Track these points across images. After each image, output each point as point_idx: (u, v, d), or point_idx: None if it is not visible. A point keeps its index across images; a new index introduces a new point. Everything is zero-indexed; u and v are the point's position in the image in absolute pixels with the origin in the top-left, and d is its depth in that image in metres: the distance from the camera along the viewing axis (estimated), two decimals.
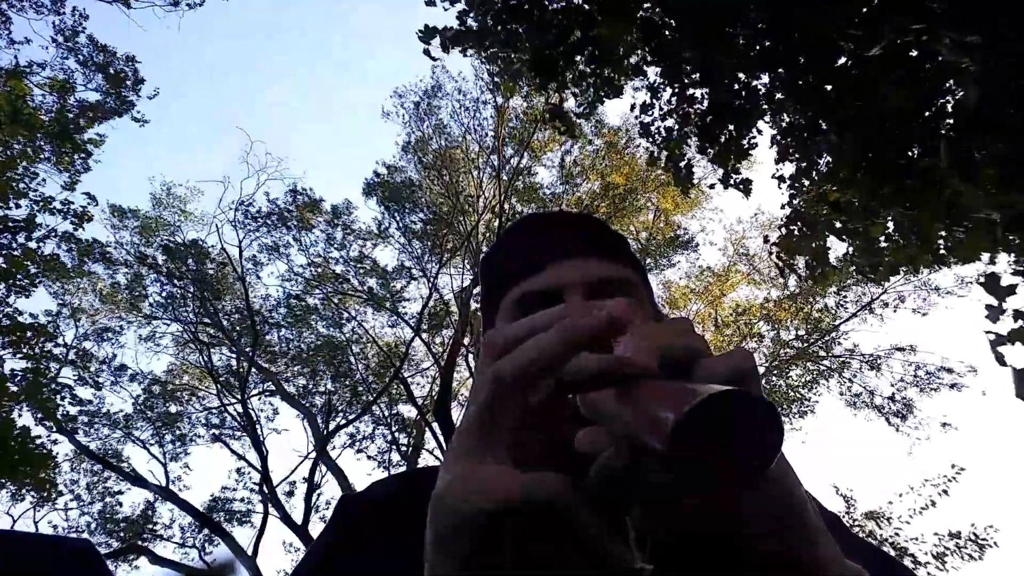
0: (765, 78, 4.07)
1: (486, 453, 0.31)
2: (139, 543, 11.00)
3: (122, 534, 11.30)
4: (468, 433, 0.32)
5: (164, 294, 11.89)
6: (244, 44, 34.04)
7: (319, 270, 12.52)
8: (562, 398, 0.34)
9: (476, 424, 0.32)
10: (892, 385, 11.85)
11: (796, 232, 4.42)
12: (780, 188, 4.44)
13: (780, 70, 3.84)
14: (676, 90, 4.16)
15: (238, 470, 11.69)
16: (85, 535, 11.06)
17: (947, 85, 3.46)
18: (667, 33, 3.89)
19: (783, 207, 4.51)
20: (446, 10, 3.96)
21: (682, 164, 4.38)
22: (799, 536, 0.33)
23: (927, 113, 3.52)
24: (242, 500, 11.64)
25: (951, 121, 3.48)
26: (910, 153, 3.64)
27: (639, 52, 4.08)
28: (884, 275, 4.21)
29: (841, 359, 12.24)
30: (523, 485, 0.29)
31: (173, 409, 11.96)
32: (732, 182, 4.34)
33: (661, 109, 4.33)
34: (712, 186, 4.63)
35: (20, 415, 8.65)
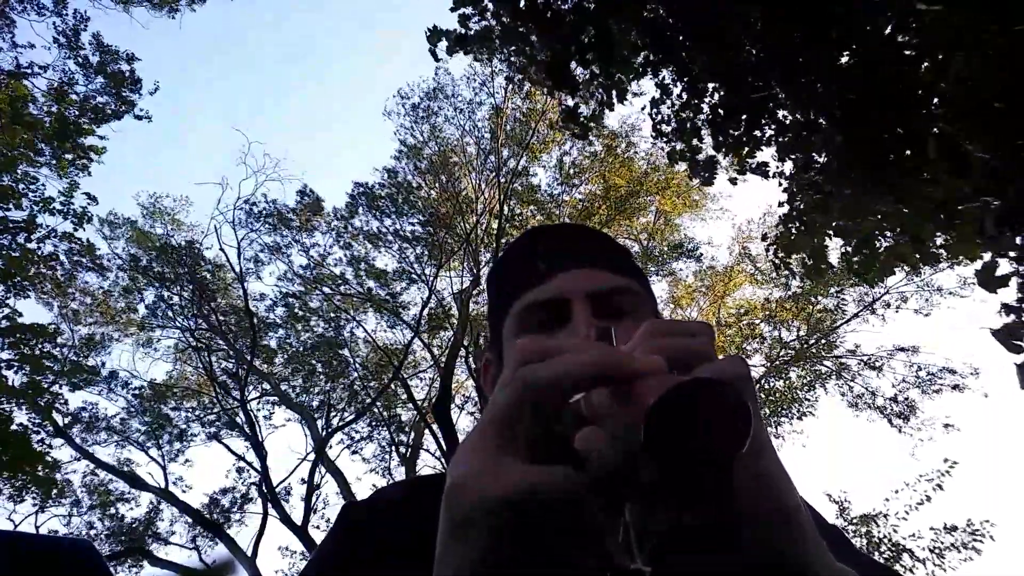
0: (767, 76, 4.08)
1: (504, 448, 0.32)
2: (139, 546, 11.00)
3: (123, 537, 11.29)
4: (487, 428, 0.33)
5: (159, 298, 11.90)
6: (243, 44, 34.07)
7: (318, 271, 12.53)
8: (566, 398, 0.35)
9: (495, 422, 0.33)
10: (894, 386, 11.88)
11: (794, 230, 4.43)
12: (780, 184, 4.44)
13: (779, 69, 3.86)
14: (686, 85, 4.17)
15: (238, 469, 11.68)
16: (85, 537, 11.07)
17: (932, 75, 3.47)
18: (670, 34, 3.90)
19: (781, 204, 4.52)
20: (453, 10, 3.94)
21: (700, 157, 4.37)
22: (790, 538, 0.34)
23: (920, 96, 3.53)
24: (241, 499, 11.64)
25: (937, 111, 3.50)
26: (907, 151, 3.65)
27: (646, 54, 4.09)
28: (878, 276, 4.23)
29: (842, 360, 12.25)
30: (537, 475, 0.30)
31: (169, 409, 11.94)
32: (748, 168, 4.34)
33: (673, 105, 4.33)
34: (733, 180, 4.60)
35: (19, 409, 8.66)
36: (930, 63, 3.47)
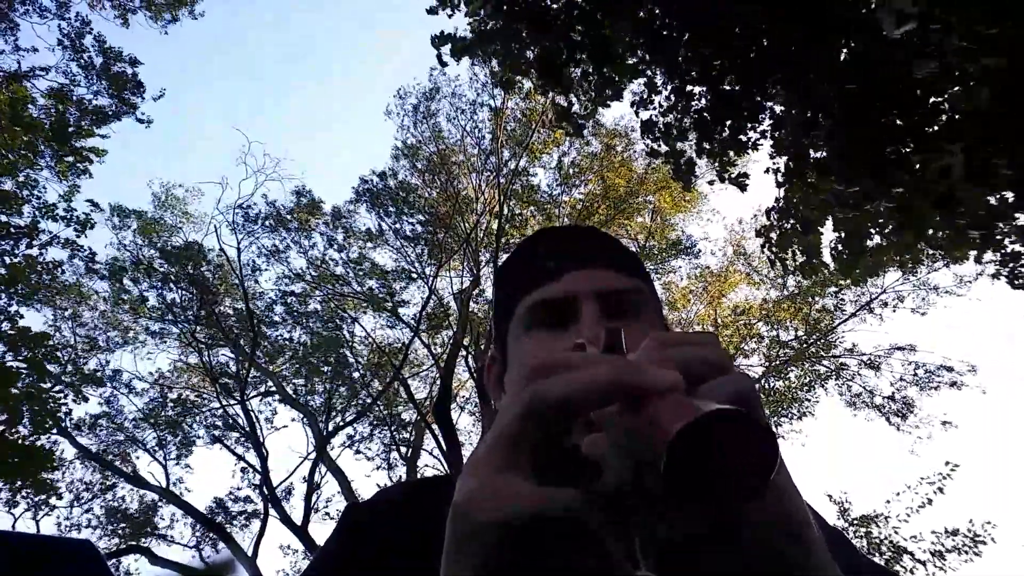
0: (761, 75, 4.08)
1: (512, 466, 0.31)
2: (140, 543, 11.01)
3: (125, 533, 11.31)
4: (494, 446, 0.32)
5: (162, 298, 11.92)
6: (243, 44, 34.05)
7: (318, 272, 12.54)
8: (578, 415, 0.34)
9: (503, 439, 0.32)
10: (892, 384, 11.88)
11: (788, 226, 4.43)
12: (774, 179, 4.44)
13: (778, 66, 3.86)
14: (675, 86, 4.18)
15: (242, 469, 11.67)
16: (87, 533, 11.12)
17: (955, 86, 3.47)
18: (664, 32, 3.91)
19: (776, 200, 4.53)
20: (450, 16, 3.97)
21: (682, 160, 4.39)
22: (798, 552, 0.34)
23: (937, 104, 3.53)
24: (244, 500, 11.65)
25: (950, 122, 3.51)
26: (905, 149, 3.66)
27: (638, 53, 4.10)
28: (864, 275, 4.23)
29: (840, 359, 12.25)
30: (542, 497, 0.30)
31: (175, 412, 11.96)
32: (728, 176, 4.35)
33: (660, 106, 4.34)
34: (711, 182, 4.60)
35: (22, 418, 8.65)
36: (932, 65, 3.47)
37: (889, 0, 2.78)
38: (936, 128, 3.58)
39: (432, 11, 3.92)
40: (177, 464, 11.54)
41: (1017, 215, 3.68)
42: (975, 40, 2.84)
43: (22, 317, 8.44)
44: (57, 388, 9.27)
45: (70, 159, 8.95)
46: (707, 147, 4.20)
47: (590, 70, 3.98)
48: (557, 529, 0.30)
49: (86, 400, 10.45)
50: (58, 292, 10.11)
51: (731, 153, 4.23)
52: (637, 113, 4.38)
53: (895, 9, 2.77)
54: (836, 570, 0.35)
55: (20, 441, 7.68)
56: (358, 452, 11.69)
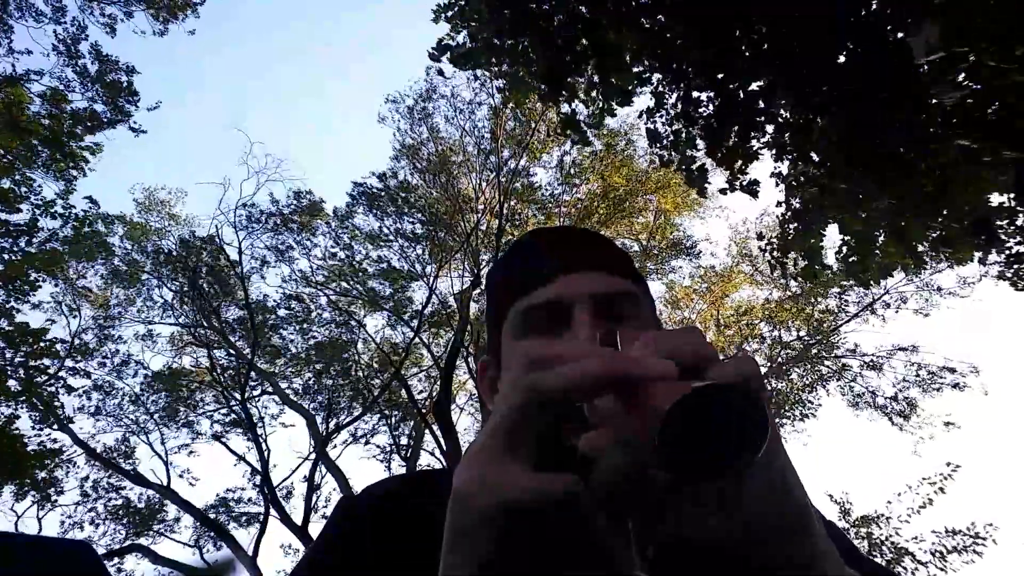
0: (764, 78, 4.07)
1: (510, 455, 0.32)
2: (140, 543, 11.01)
3: (126, 530, 11.32)
4: (493, 435, 0.33)
5: (166, 293, 11.98)
6: (243, 44, 34.08)
7: (318, 274, 12.56)
8: (575, 405, 0.35)
9: (501, 428, 0.32)
10: (894, 385, 11.91)
11: (791, 230, 4.44)
12: (777, 186, 4.45)
13: (778, 68, 3.86)
14: (681, 93, 4.17)
15: (244, 464, 11.67)
16: (89, 531, 11.15)
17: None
18: (669, 37, 3.90)
19: (778, 204, 4.53)
20: (457, 32, 3.98)
21: (694, 166, 4.38)
22: (802, 549, 0.33)
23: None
24: (245, 500, 11.65)
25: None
26: (903, 150, 3.66)
27: (644, 61, 4.09)
28: (875, 277, 4.24)
29: (842, 360, 12.26)
30: (540, 483, 0.30)
31: (176, 401, 11.98)
32: (739, 184, 4.34)
33: (668, 113, 4.33)
34: (723, 191, 4.60)
35: (19, 410, 8.67)
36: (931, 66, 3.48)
37: (919, 31, 2.84)
38: (935, 128, 3.58)
39: (436, 19, 3.91)
40: (179, 453, 11.58)
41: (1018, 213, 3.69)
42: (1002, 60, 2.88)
43: (19, 312, 8.46)
44: (53, 374, 9.31)
45: (63, 157, 8.94)
46: (716, 153, 4.20)
47: (596, 80, 3.97)
48: (555, 520, 0.30)
49: (87, 375, 10.50)
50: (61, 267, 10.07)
51: (740, 162, 4.23)
52: (645, 123, 4.38)
53: (924, 41, 2.83)
54: (840, 567, 0.35)
55: (18, 439, 7.69)
56: (368, 443, 11.79)
